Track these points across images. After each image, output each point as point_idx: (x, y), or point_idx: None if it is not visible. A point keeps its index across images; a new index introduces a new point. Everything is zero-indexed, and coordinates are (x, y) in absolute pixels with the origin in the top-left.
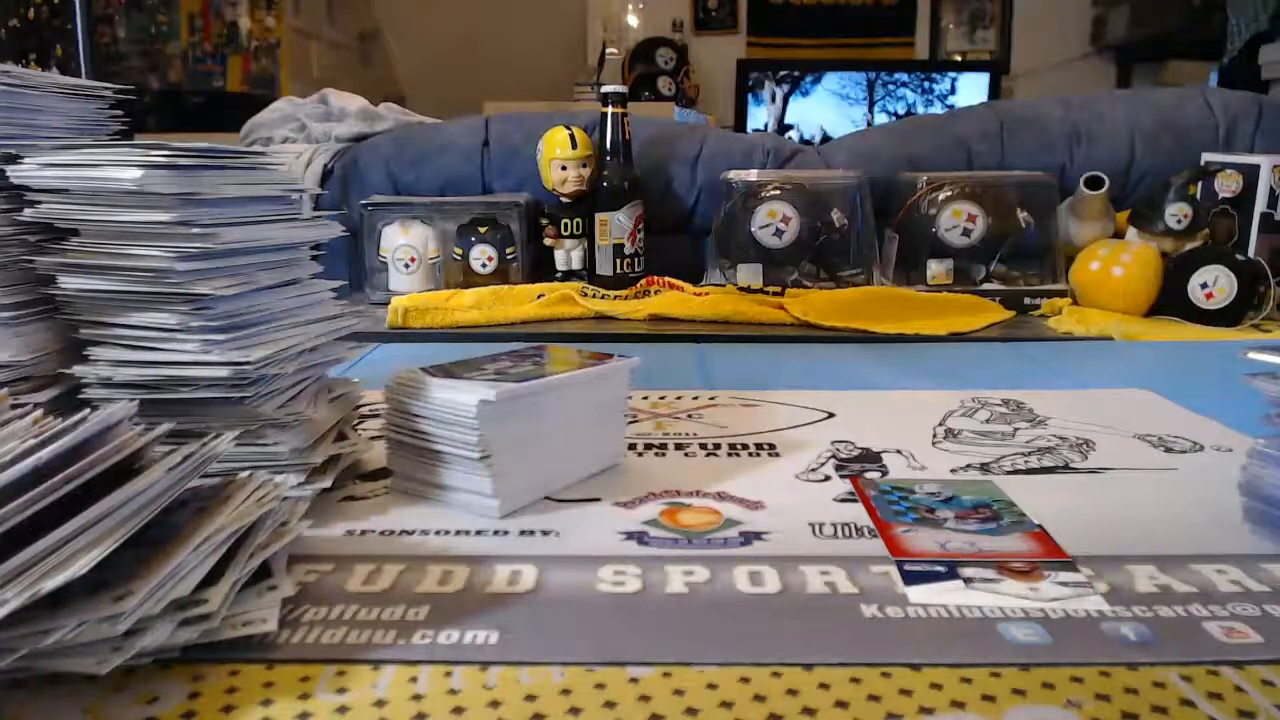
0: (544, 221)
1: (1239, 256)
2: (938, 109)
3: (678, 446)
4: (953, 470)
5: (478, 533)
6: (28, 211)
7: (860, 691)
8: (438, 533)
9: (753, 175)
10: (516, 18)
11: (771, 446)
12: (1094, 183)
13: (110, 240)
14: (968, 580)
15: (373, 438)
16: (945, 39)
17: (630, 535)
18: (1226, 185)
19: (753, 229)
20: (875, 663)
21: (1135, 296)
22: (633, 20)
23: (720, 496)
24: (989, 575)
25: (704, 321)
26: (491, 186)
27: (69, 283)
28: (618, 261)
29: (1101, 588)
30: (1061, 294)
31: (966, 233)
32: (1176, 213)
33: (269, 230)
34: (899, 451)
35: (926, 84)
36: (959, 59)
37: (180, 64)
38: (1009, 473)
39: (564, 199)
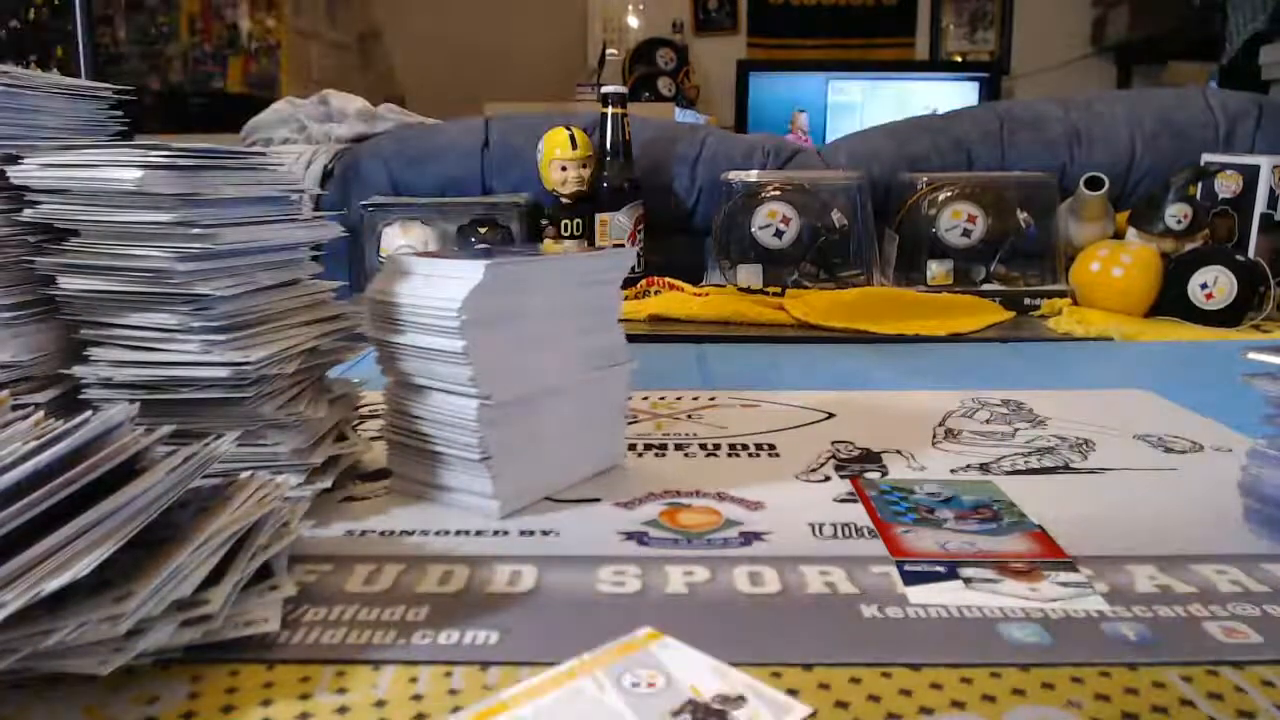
0: (544, 222)
1: (1239, 257)
2: None
3: (678, 447)
4: (953, 470)
5: (478, 533)
6: (28, 212)
7: (860, 691)
8: (438, 533)
9: (753, 176)
10: (517, 18)
11: (771, 447)
12: (1094, 183)
13: (110, 241)
14: (968, 580)
15: (373, 438)
16: (945, 39)
17: (630, 535)
18: (1226, 185)
19: (753, 229)
20: (875, 663)
21: (1135, 297)
22: (633, 21)
23: (720, 497)
24: (989, 575)
25: (704, 322)
26: (492, 187)
27: (69, 283)
28: None
29: (1101, 588)
30: (1061, 294)
31: (966, 233)
32: (1176, 213)
33: (269, 231)
34: (899, 452)
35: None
36: (959, 59)
37: (180, 65)
38: (1009, 473)
39: (564, 199)
